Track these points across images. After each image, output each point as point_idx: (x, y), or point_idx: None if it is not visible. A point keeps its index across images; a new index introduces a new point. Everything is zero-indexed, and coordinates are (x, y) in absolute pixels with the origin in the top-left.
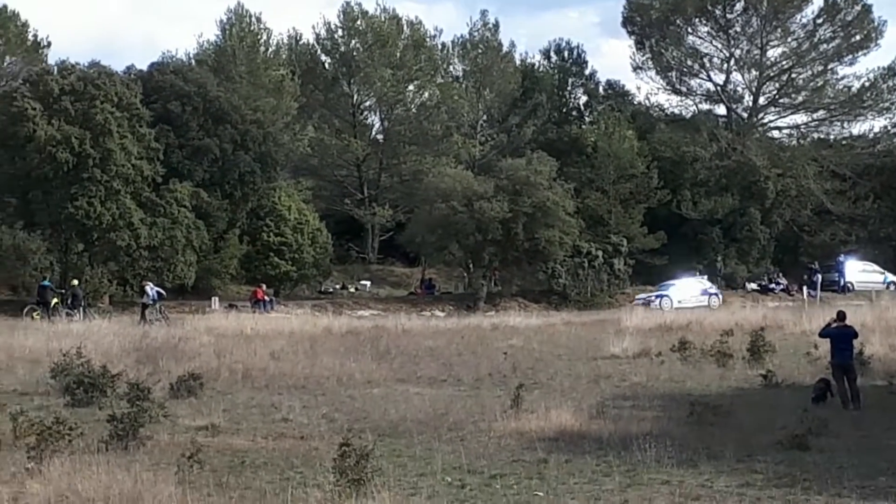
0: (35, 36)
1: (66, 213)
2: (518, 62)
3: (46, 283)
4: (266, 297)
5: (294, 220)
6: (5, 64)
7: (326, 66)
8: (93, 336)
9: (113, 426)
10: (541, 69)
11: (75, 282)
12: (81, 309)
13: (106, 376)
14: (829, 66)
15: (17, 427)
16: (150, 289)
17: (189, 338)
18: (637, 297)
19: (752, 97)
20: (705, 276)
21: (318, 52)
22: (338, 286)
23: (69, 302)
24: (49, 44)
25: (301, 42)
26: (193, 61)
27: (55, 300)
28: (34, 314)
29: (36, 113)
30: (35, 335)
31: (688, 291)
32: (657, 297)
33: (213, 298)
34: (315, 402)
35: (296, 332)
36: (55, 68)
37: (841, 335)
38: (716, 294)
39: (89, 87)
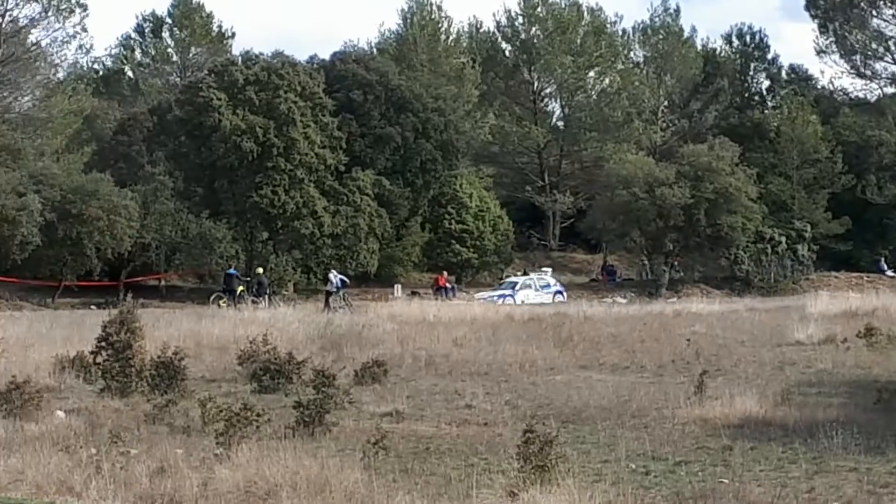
0: (220, 27)
1: (251, 201)
2: (699, 47)
3: (232, 271)
4: (448, 284)
5: (475, 208)
6: (191, 55)
7: (507, 53)
8: (278, 323)
9: (299, 413)
10: (722, 54)
11: (260, 270)
12: (267, 297)
13: (291, 363)
14: None
15: (205, 413)
16: (334, 276)
17: (372, 325)
18: (478, 295)
19: None
20: (549, 272)
21: (499, 39)
22: (519, 273)
23: (255, 290)
24: (233, 34)
25: (481, 30)
26: (375, 50)
27: (241, 288)
28: (220, 302)
29: (221, 103)
30: (222, 323)
31: (532, 289)
32: (500, 296)
33: (395, 286)
34: (498, 388)
35: (478, 318)
36: (239, 59)
37: None
38: (560, 291)
39: (273, 76)
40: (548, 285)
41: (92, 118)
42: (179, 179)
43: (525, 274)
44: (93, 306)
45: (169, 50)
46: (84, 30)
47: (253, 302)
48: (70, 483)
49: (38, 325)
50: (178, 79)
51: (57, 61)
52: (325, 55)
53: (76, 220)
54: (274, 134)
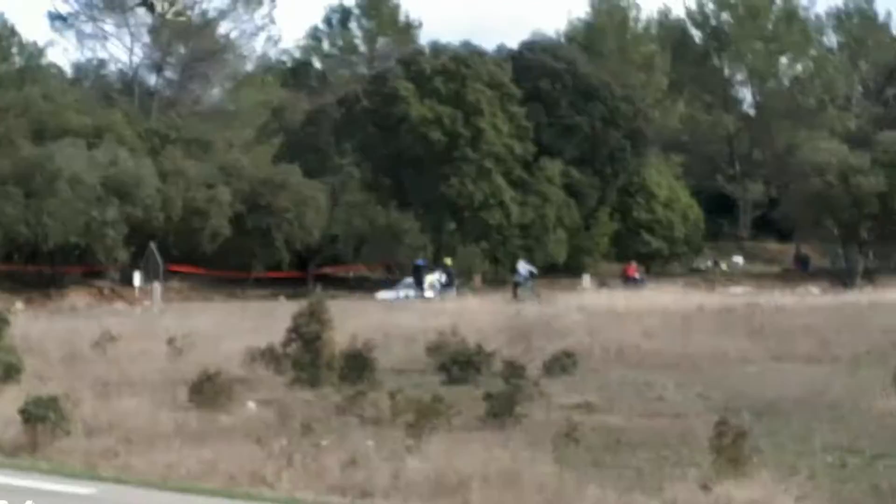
0: (407, 17)
1: (439, 192)
2: (895, 32)
3: (420, 262)
4: (637, 275)
5: (664, 197)
6: (378, 45)
7: (697, 40)
8: (466, 314)
9: (489, 404)
10: None
11: (448, 260)
12: (454, 287)
13: (480, 354)
14: None
15: (395, 404)
16: (522, 267)
17: (561, 315)
18: (380, 295)
19: None
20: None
21: (689, 26)
22: (709, 263)
23: (442, 280)
24: (420, 24)
25: (671, 17)
26: (563, 39)
27: (430, 279)
28: (411, 292)
29: (409, 94)
30: (410, 314)
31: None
32: (404, 297)
33: (583, 276)
34: (689, 380)
35: (668, 309)
36: (427, 49)
37: None
38: (451, 287)
39: (461, 66)
40: (450, 284)
41: (280, 110)
42: (367, 170)
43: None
44: (282, 297)
45: (356, 41)
46: (272, 21)
47: (441, 293)
48: (262, 474)
49: (229, 316)
50: (365, 69)
51: (245, 53)
52: (513, 44)
53: (265, 211)
54: (461, 124)
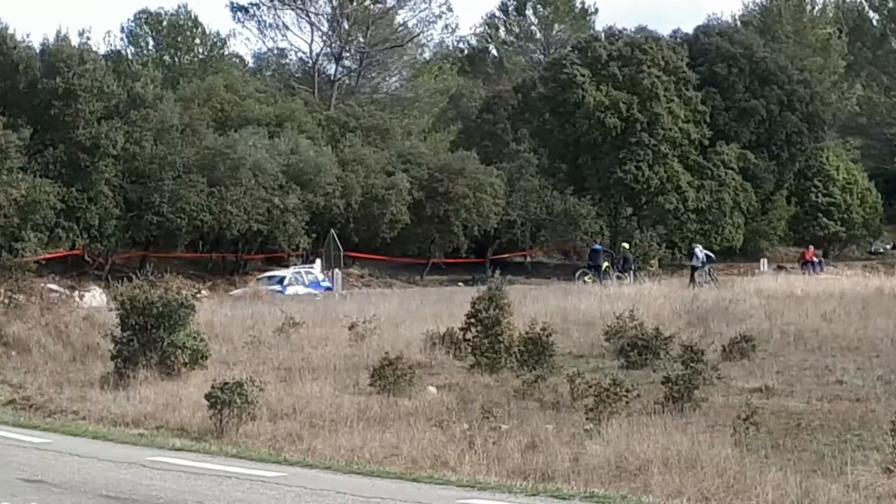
0: (582, 4)
1: (615, 177)
2: None
3: (598, 246)
4: (815, 259)
5: (842, 181)
6: (554, 32)
7: (874, 22)
8: (643, 299)
9: (668, 388)
10: None
11: (626, 245)
12: (632, 272)
13: (658, 338)
14: None
15: (574, 389)
16: (699, 251)
17: (738, 300)
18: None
19: None
20: (317, 266)
21: (866, 9)
22: (888, 246)
23: (620, 265)
24: (596, 10)
25: (847, 0)
26: (739, 23)
27: (606, 264)
28: (586, 278)
29: (584, 79)
30: (588, 298)
31: (300, 285)
32: (280, 290)
33: (761, 260)
34: (869, 364)
35: (846, 293)
36: (602, 34)
37: None
38: (330, 287)
39: (636, 52)
40: (316, 282)
41: (457, 97)
42: (544, 156)
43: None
44: (460, 283)
45: (532, 27)
46: (449, 9)
47: (618, 277)
48: (444, 458)
49: (408, 301)
50: (541, 56)
51: (423, 41)
52: (689, 29)
53: (443, 198)
54: (637, 109)
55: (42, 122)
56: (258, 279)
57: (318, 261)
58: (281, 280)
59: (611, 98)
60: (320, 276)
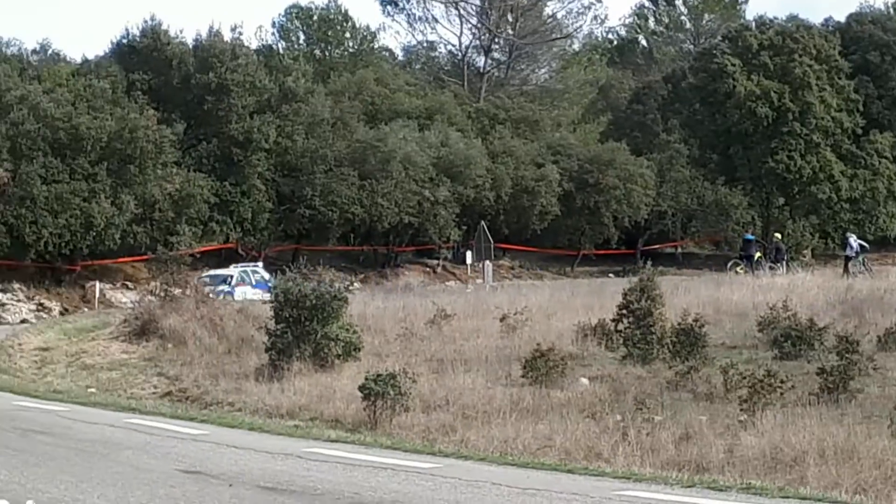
0: None
1: (766, 167)
2: None
3: (750, 236)
4: None
5: None
6: (704, 21)
7: None
8: (797, 289)
9: (822, 379)
10: None
11: (778, 235)
12: (784, 262)
13: (813, 329)
14: None
15: (727, 380)
16: (853, 241)
17: (894, 289)
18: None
19: None
20: (260, 265)
21: None
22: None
23: (772, 255)
24: (746, 0)
25: None
26: (892, 10)
27: (758, 254)
28: (738, 268)
29: (735, 69)
30: (740, 289)
31: (248, 285)
32: (228, 291)
33: None
34: None
35: None
36: (753, 24)
37: None
38: (780, 262)
39: (787, 41)
40: (263, 282)
41: (607, 88)
42: (694, 147)
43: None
44: (610, 274)
45: (682, 17)
46: (598, 0)
47: (770, 268)
48: (598, 449)
49: (559, 293)
50: (691, 46)
51: (572, 32)
52: (841, 17)
53: (593, 189)
54: (789, 98)
55: (195, 116)
56: (199, 278)
57: (261, 262)
58: (226, 280)
59: (762, 87)
60: (266, 275)
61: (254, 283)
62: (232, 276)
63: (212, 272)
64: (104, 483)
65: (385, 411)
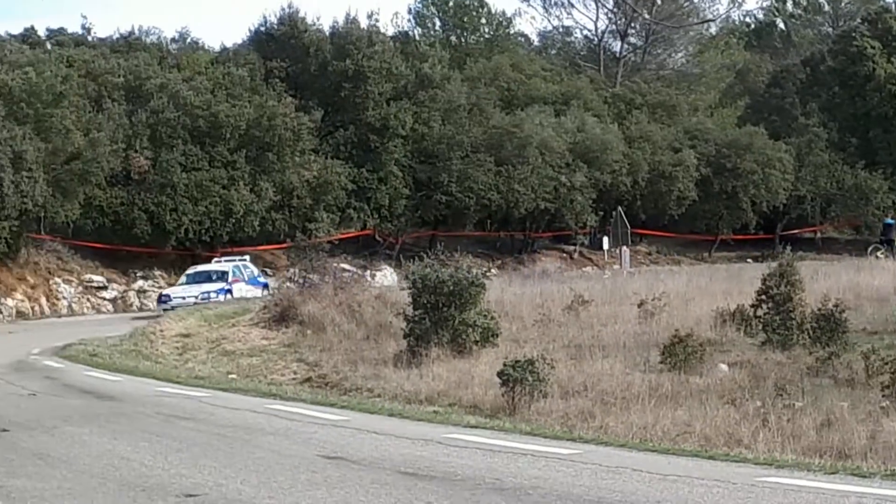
0: None
1: None
2: None
3: (890, 221)
4: None
5: None
6: (843, 4)
7: None
8: None
9: None
10: None
11: None
12: None
13: None
14: None
15: (869, 366)
16: None
17: None
18: (172, 302)
19: None
20: (248, 258)
21: None
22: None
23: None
24: None
25: None
26: None
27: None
28: (878, 253)
29: (875, 52)
30: (881, 274)
31: (244, 282)
32: (205, 295)
33: None
34: None
35: None
36: (893, 6)
37: None
38: (266, 284)
39: None
40: (255, 278)
41: (744, 72)
42: (833, 130)
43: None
44: (749, 260)
45: (821, 0)
46: None
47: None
48: (738, 435)
49: (697, 278)
50: (830, 29)
51: (709, 16)
52: None
53: (731, 174)
54: None
55: (332, 103)
56: (186, 276)
57: (247, 257)
58: (223, 275)
59: None
60: (256, 270)
61: (247, 278)
62: (227, 273)
63: (199, 268)
64: (246, 468)
65: (523, 397)
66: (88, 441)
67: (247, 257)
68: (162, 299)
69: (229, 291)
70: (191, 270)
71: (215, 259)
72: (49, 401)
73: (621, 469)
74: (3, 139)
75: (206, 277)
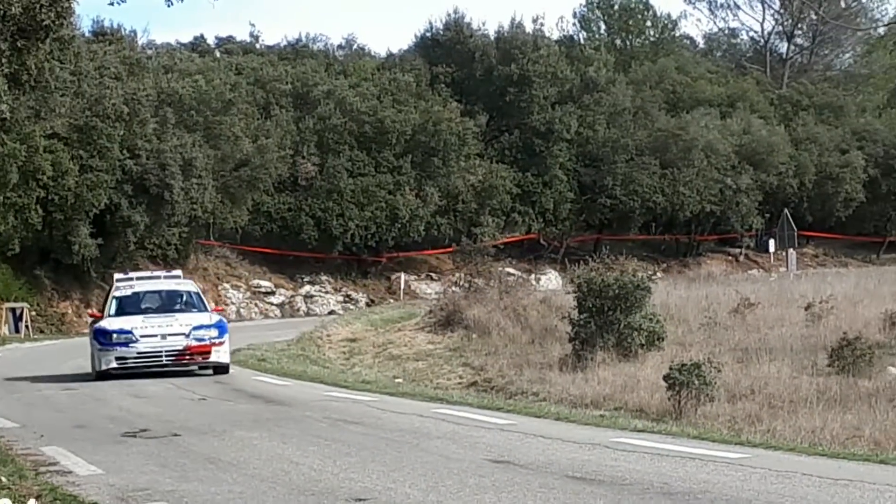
0: None
1: None
2: None
3: None
4: None
5: None
6: None
7: None
8: None
9: None
10: None
11: None
12: None
13: None
14: None
15: None
16: None
17: None
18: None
19: None
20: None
21: None
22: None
23: None
24: None
25: None
26: None
27: None
28: None
29: None
30: None
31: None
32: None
33: None
34: None
35: None
36: None
37: None
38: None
39: None
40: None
41: None
42: None
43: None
44: None
45: None
46: None
47: None
48: None
49: (864, 281)
50: None
51: (877, 16)
52: None
53: None
54: None
55: (497, 108)
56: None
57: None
58: (193, 299)
59: None
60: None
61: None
62: (197, 294)
63: (139, 284)
64: (414, 472)
65: (689, 401)
66: (258, 445)
67: (179, 272)
68: (104, 341)
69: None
70: (125, 289)
71: (118, 276)
72: (219, 405)
73: (790, 473)
74: (173, 147)
75: (170, 302)
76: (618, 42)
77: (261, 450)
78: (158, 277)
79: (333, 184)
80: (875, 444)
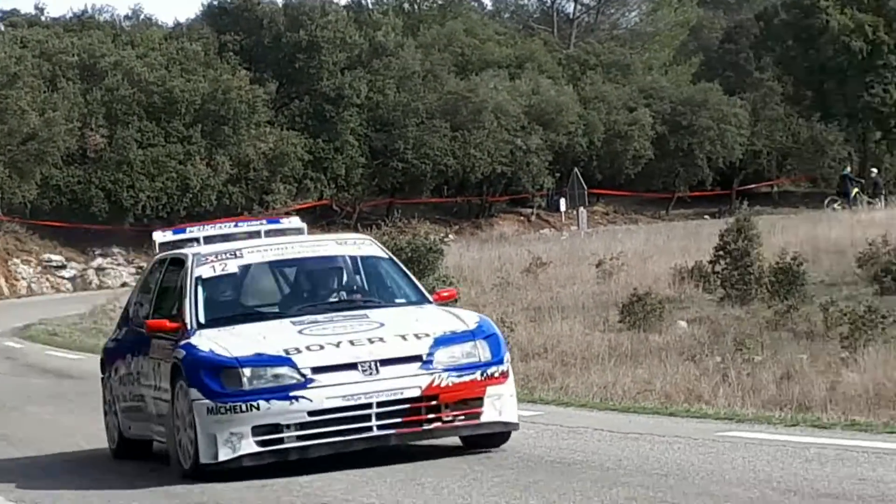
0: None
1: (862, 102)
2: None
3: (846, 172)
4: None
5: None
6: None
7: None
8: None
9: None
10: None
11: (875, 170)
12: (883, 197)
13: None
14: None
15: (828, 317)
16: None
17: None
18: None
19: None
20: None
21: None
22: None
23: (870, 191)
24: None
25: None
26: None
27: (855, 190)
28: (835, 205)
29: (828, 3)
30: (838, 226)
31: None
32: None
33: None
34: None
35: None
36: None
37: None
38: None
39: None
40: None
41: (698, 28)
42: (788, 84)
43: None
44: (706, 216)
45: None
46: None
47: (868, 203)
48: (698, 391)
49: (654, 237)
50: None
51: None
52: None
53: (687, 131)
54: (884, 31)
55: (287, 75)
56: None
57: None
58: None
59: (856, 21)
60: None
61: None
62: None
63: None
64: None
65: None
66: (52, 420)
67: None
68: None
69: None
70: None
71: (161, 234)
72: (9, 381)
73: (582, 429)
74: None
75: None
76: (406, 6)
77: (56, 425)
78: (258, 233)
79: (123, 155)
80: (666, 397)
